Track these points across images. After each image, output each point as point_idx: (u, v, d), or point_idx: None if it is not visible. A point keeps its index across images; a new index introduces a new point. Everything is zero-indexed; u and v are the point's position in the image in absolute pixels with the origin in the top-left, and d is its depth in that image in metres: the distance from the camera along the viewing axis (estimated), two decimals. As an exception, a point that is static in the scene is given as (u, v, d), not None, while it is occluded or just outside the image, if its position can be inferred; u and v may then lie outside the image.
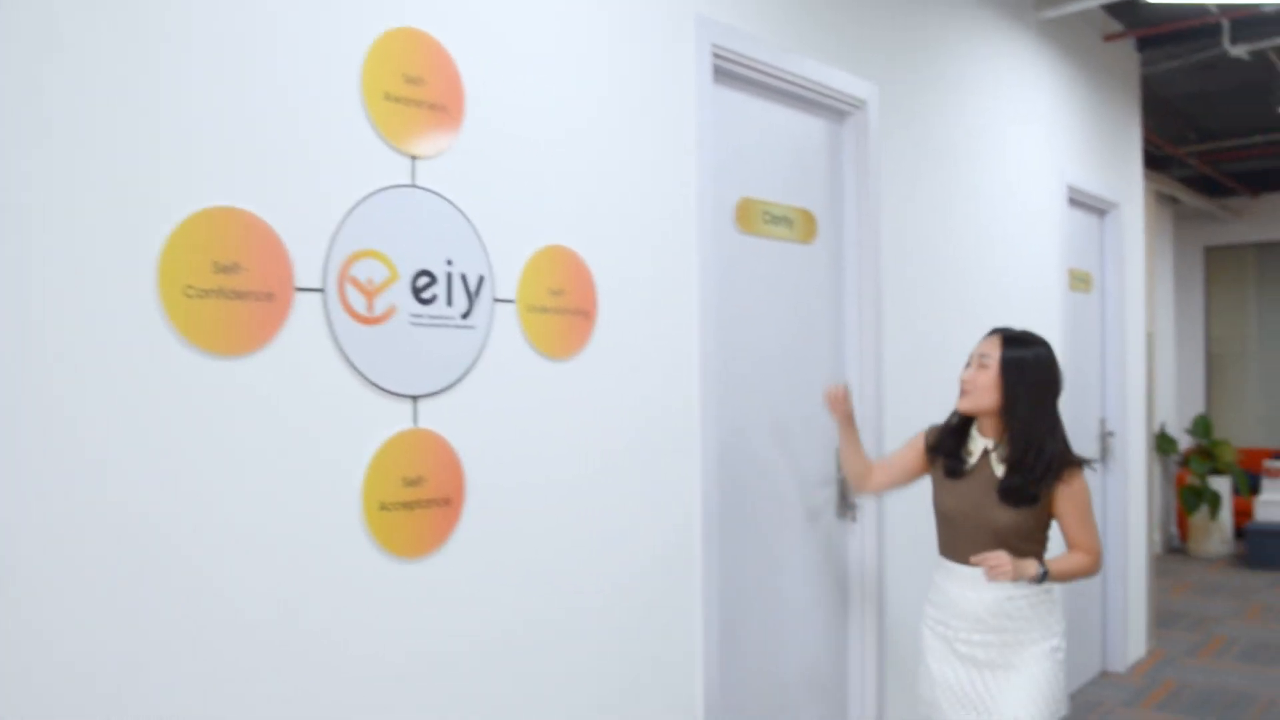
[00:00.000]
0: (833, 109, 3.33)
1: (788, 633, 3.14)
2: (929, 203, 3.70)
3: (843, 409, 2.89)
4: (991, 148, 4.13)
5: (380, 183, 1.99)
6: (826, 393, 2.92)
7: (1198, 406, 10.45)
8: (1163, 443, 8.86)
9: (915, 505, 3.57)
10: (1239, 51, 5.68)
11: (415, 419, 2.04)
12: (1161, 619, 6.38)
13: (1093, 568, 2.56)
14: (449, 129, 2.12)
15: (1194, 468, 8.66)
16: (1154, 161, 8.67)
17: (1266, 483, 8.72)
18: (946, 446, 2.65)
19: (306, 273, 1.88)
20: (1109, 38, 5.33)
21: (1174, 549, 9.13)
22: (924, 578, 3.40)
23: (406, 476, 2.02)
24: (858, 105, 3.35)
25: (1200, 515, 8.66)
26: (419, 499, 2.04)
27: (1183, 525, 9.09)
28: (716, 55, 2.80)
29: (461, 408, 2.12)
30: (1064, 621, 2.63)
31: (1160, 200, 9.32)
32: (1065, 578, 2.54)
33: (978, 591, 2.54)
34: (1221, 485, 8.68)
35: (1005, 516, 2.51)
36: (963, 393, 2.59)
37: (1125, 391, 5.36)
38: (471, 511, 2.14)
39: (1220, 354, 10.69)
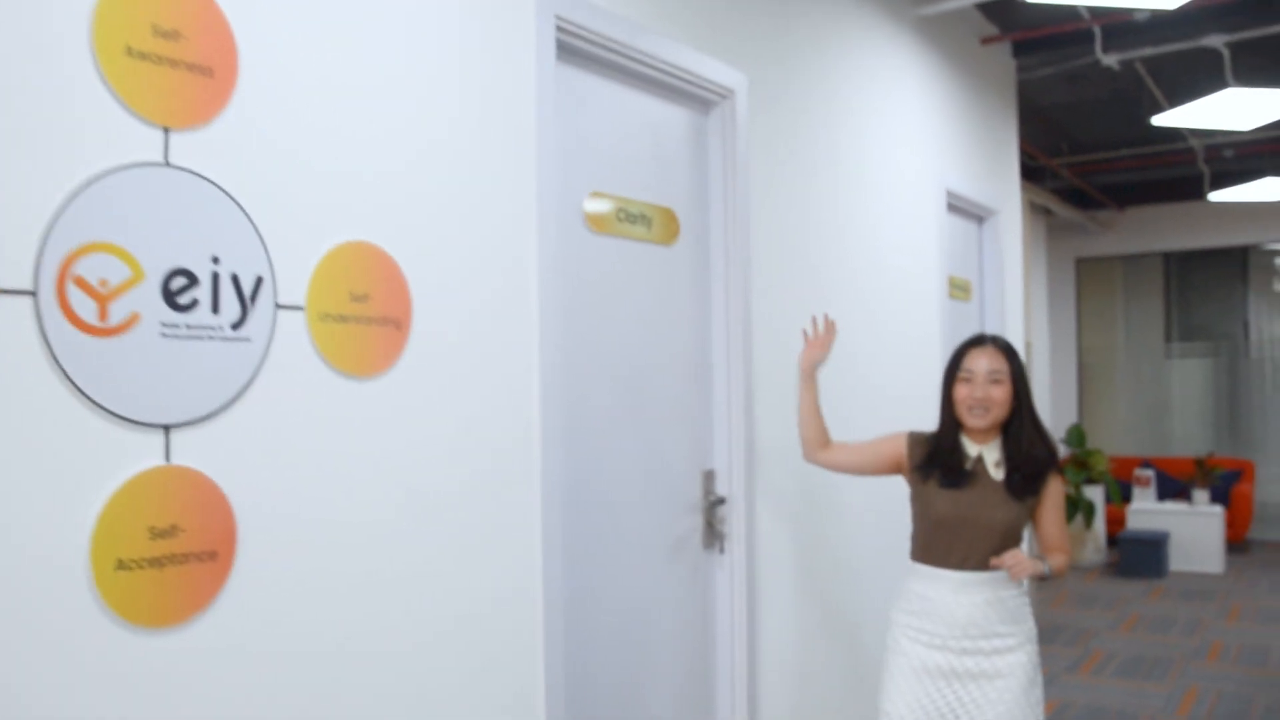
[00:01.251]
0: (698, 98, 3.03)
1: (647, 681, 2.80)
2: (803, 201, 3.43)
3: (820, 353, 2.87)
4: (869, 146, 3.90)
5: (119, 160, 1.59)
6: (812, 328, 2.91)
7: (1071, 416, 10.56)
8: (1038, 452, 8.87)
9: (795, 531, 3.29)
10: (1110, 60, 5.63)
11: (168, 454, 1.64)
12: (1043, 633, 6.27)
13: (1067, 565, 2.67)
14: (217, 96, 1.72)
15: (1069, 477, 8.69)
16: (1029, 172, 8.69)
17: (1137, 491, 8.81)
18: (943, 459, 2.65)
19: (9, 271, 1.46)
20: (986, 40, 5.19)
21: (1050, 558, 9.14)
22: (804, 614, 3.12)
23: (155, 526, 1.61)
24: (725, 95, 3.06)
25: (1075, 525, 8.68)
26: (172, 553, 1.63)
27: (1058, 534, 9.12)
28: (561, 29, 2.46)
29: (231, 438, 1.72)
30: (1036, 626, 2.69)
31: (1034, 211, 9.37)
32: (1058, 575, 2.62)
33: (969, 595, 2.56)
34: (1095, 494, 8.74)
35: (1006, 517, 2.57)
36: (981, 410, 2.60)
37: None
38: (245, 566, 1.74)
39: (1091, 364, 10.85)
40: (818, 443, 2.84)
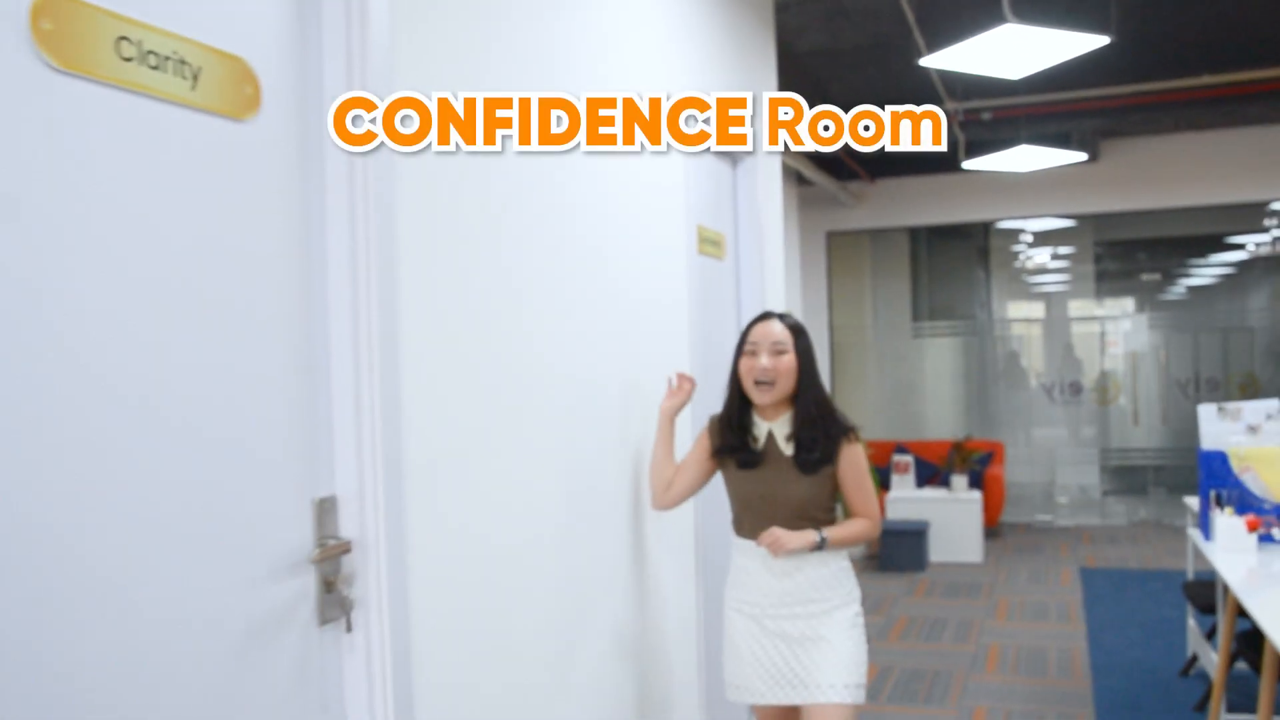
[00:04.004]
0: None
1: None
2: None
3: (679, 400, 2.89)
4: (586, 39, 2.80)
5: None
6: (677, 376, 2.96)
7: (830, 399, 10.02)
8: (795, 440, 8.19)
9: (459, 596, 2.15)
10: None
11: None
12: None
13: (871, 531, 2.67)
14: None
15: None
16: (781, 134, 7.98)
17: (896, 479, 8.28)
18: (733, 442, 2.68)
19: None
20: (739, -57, 4.25)
21: (807, 552, 8.51)
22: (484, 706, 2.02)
23: None
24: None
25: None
26: None
27: (815, 527, 8.50)
28: None
29: None
30: (859, 588, 2.72)
31: (786, 177, 8.68)
32: (844, 543, 2.61)
33: (782, 568, 2.60)
34: (853, 483, 8.13)
35: (802, 489, 2.59)
36: (766, 384, 2.61)
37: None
38: None
39: (843, 343, 10.37)
40: (667, 487, 2.80)
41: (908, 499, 8.07)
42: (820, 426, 2.61)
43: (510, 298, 2.32)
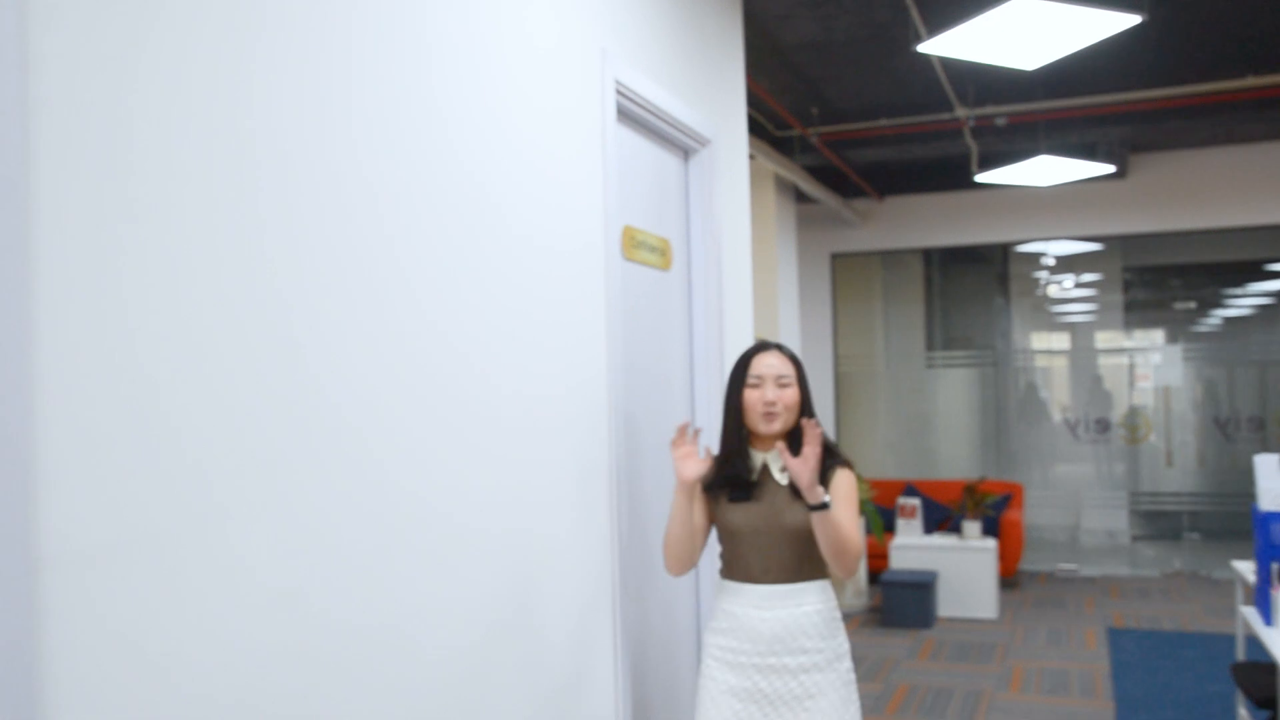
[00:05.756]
0: None
1: None
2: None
3: (697, 464, 2.59)
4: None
5: None
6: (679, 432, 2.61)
7: (826, 434, 9.25)
8: (790, 479, 7.42)
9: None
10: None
11: None
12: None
13: (856, 551, 2.46)
14: None
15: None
16: (777, 143, 7.27)
17: (901, 524, 7.49)
18: (731, 471, 2.58)
19: None
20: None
21: (804, 603, 7.72)
22: None
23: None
24: None
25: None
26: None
27: (813, 575, 7.71)
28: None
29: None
30: (848, 640, 2.60)
31: (783, 192, 7.97)
32: (836, 530, 2.40)
33: (772, 609, 2.49)
34: (854, 527, 7.35)
35: (796, 519, 2.49)
36: (772, 416, 2.54)
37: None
38: None
39: (849, 374, 9.60)
40: (690, 561, 2.60)
41: (914, 546, 7.28)
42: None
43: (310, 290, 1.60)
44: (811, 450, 2.33)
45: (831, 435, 9.21)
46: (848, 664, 2.55)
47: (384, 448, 1.84)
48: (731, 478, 2.57)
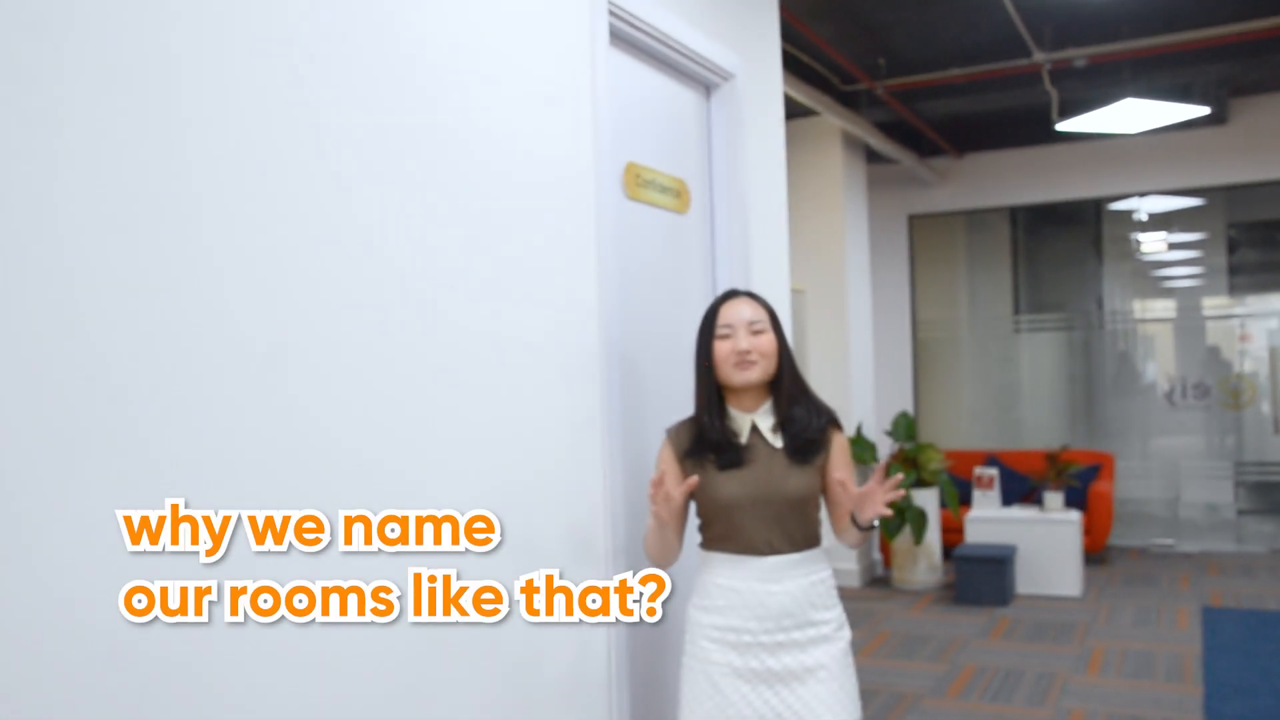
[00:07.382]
0: None
1: None
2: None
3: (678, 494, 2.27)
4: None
5: None
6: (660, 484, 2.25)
7: (904, 403, 8.86)
8: (859, 448, 7.10)
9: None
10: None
11: None
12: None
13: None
14: None
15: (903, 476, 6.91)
16: (843, 98, 6.90)
17: (978, 495, 7.11)
18: (714, 436, 2.34)
19: None
20: None
21: (878, 578, 7.41)
22: None
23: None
24: None
25: (903, 539, 6.94)
26: None
27: (885, 549, 7.38)
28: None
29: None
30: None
31: (851, 149, 7.60)
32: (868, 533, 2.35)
33: (781, 581, 2.29)
34: (928, 500, 7.00)
35: (799, 483, 2.32)
36: (748, 364, 2.32)
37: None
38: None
39: (929, 339, 9.18)
40: (672, 560, 2.38)
41: (991, 519, 6.89)
42: (807, 409, 2.37)
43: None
44: (886, 499, 2.23)
45: (909, 404, 8.83)
46: (848, 633, 2.41)
47: (328, 406, 1.64)
48: (718, 443, 2.34)
